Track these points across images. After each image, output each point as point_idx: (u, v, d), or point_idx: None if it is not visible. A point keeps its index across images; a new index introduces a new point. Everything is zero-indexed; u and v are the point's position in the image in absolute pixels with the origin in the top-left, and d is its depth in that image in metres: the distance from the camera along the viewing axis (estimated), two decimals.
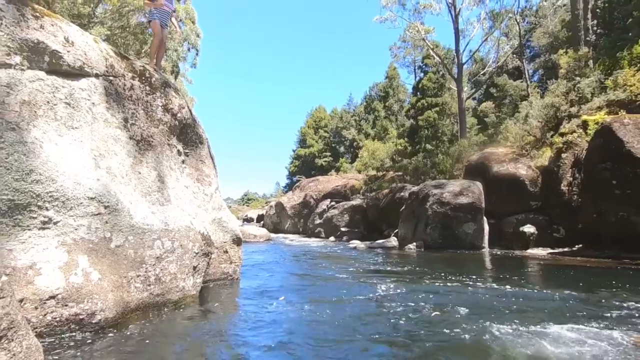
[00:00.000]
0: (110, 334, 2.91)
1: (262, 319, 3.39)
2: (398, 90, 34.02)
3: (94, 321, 2.95)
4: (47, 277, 2.76)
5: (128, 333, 2.96)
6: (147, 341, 2.83)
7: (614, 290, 4.45)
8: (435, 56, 21.69)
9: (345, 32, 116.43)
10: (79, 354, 2.55)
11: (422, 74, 24.58)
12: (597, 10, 17.36)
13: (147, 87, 4.21)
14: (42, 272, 2.74)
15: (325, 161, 38.90)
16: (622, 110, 9.09)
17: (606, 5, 18.25)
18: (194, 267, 4.15)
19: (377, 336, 2.92)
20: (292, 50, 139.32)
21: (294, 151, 44.72)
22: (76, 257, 2.93)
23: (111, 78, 3.72)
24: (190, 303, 3.98)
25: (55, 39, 3.11)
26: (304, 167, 40.69)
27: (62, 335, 2.77)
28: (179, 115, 4.63)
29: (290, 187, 33.60)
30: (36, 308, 2.66)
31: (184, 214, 4.21)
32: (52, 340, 2.69)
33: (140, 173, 3.84)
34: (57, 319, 2.77)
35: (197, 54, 20.80)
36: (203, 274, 4.43)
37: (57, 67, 3.15)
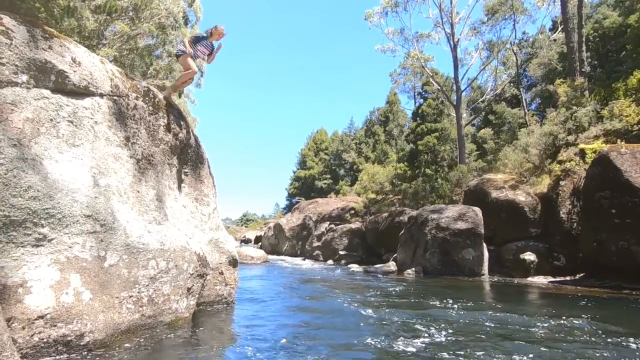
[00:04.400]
0: (98, 357, 2.82)
1: (256, 348, 3.27)
2: (398, 115, 34.53)
3: (82, 343, 2.86)
4: (38, 296, 2.70)
5: (115, 356, 2.87)
6: None
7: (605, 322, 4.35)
8: (434, 83, 22.17)
9: (348, 58, 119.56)
10: None
11: (421, 100, 25.03)
12: (590, 43, 17.91)
13: (150, 107, 4.28)
14: (32, 291, 2.69)
15: (325, 183, 38.96)
16: (619, 140, 9.20)
17: (598, 40, 18.87)
18: (188, 289, 4.07)
19: None
20: (295, 73, 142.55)
21: (294, 173, 44.88)
22: (68, 275, 2.88)
23: (115, 98, 3.79)
24: (183, 326, 3.87)
25: (63, 59, 3.19)
26: (304, 189, 40.71)
27: (48, 357, 2.68)
28: (180, 135, 4.67)
29: (289, 208, 33.48)
30: (23, 328, 2.59)
31: (181, 234, 4.18)
32: None
33: (138, 192, 3.83)
34: (45, 340, 2.69)
35: (202, 75, 21.28)
36: (197, 295, 4.35)
37: (63, 86, 3.21)
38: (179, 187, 4.78)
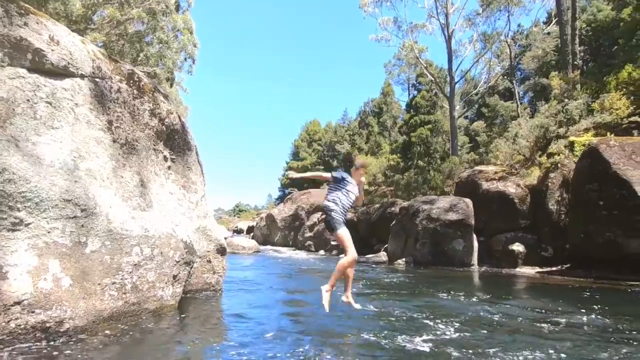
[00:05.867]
0: (79, 344, 2.76)
1: (242, 338, 3.22)
2: (392, 107, 34.41)
3: (61, 330, 2.80)
4: (14, 281, 2.62)
5: (96, 343, 2.81)
6: (114, 352, 2.69)
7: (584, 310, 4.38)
8: (428, 75, 22.09)
9: (342, 47, 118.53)
10: None
11: (415, 92, 24.95)
12: (584, 37, 17.95)
13: (135, 91, 4.16)
14: (8, 276, 2.60)
15: None
16: (609, 133, 9.28)
17: (591, 33, 18.91)
18: (174, 276, 4.01)
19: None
20: (288, 65, 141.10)
21: (287, 163, 44.68)
22: (47, 261, 2.80)
23: (97, 80, 3.66)
24: (168, 313, 3.82)
25: (40, 37, 3.06)
26: (297, 179, 40.59)
27: (26, 344, 2.62)
28: (166, 120, 4.56)
29: (282, 199, 33.40)
30: None
31: (166, 221, 4.10)
32: (12, 348, 2.53)
33: (122, 177, 3.74)
34: (22, 326, 2.62)
35: (193, 63, 20.90)
36: (184, 283, 4.29)
37: (40, 66, 3.09)
38: (166, 174, 4.68)
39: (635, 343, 3.10)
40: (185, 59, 22.03)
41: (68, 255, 2.96)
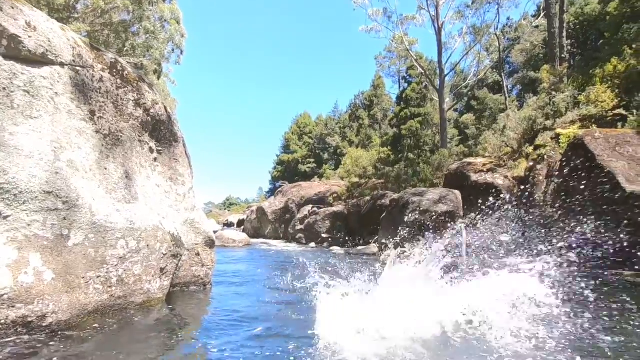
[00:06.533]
0: (62, 338, 2.71)
1: (229, 332, 3.20)
2: (383, 100, 34.45)
3: (44, 324, 2.74)
4: None
5: (81, 336, 2.76)
6: (99, 345, 2.65)
7: None
8: (418, 67, 22.11)
9: (333, 40, 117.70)
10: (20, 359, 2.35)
11: (406, 85, 24.99)
12: (571, 31, 18.14)
13: (119, 80, 4.04)
14: None
15: (308, 167, 38.84)
16: (594, 125, 9.43)
17: (578, 27, 19.12)
18: (162, 269, 3.96)
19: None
20: (278, 57, 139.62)
21: (277, 156, 44.50)
22: (27, 254, 2.73)
23: (78, 68, 3.54)
24: (155, 307, 3.78)
25: (16, 23, 2.93)
26: (288, 172, 40.50)
27: (7, 339, 2.56)
28: (152, 111, 4.46)
29: (273, 192, 33.30)
30: None
31: (153, 213, 4.03)
32: None
33: (106, 169, 3.65)
34: (2, 321, 2.56)
35: (181, 54, 20.50)
36: (172, 276, 4.25)
37: (17, 53, 2.97)
38: (152, 166, 4.60)
39: None
40: (173, 50, 21.50)
41: (50, 249, 2.89)
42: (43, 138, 3.03)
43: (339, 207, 16.92)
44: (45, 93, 3.13)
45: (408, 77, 24.84)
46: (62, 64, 3.35)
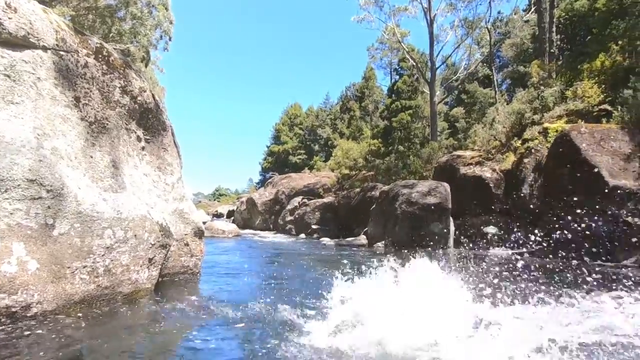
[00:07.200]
0: (47, 328, 2.67)
1: (216, 322, 3.18)
2: (374, 91, 34.40)
3: (28, 314, 2.70)
4: None
5: (66, 327, 2.73)
6: (85, 334, 2.62)
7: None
8: (410, 59, 22.08)
9: (325, 30, 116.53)
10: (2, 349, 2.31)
11: (397, 77, 24.99)
12: (561, 26, 18.30)
13: (104, 66, 3.93)
14: None
15: (299, 159, 38.72)
16: (581, 120, 9.60)
17: (568, 22, 19.29)
18: (150, 259, 3.92)
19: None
20: (269, 46, 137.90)
21: (267, 147, 44.22)
22: (10, 244, 2.66)
23: (62, 53, 3.43)
24: (144, 297, 3.75)
25: None
26: (278, 163, 40.33)
27: None
28: (139, 98, 4.36)
29: (263, 183, 33.16)
30: None
31: (141, 203, 3.97)
32: None
33: (92, 157, 3.57)
34: None
35: (169, 40, 20.03)
36: (160, 266, 4.21)
37: None
38: (140, 155, 4.51)
39: None
40: (161, 37, 21.01)
41: (34, 238, 2.82)
42: (25, 124, 2.93)
43: (329, 199, 16.96)
44: (27, 78, 3.02)
45: (399, 70, 24.83)
46: (44, 48, 3.24)
